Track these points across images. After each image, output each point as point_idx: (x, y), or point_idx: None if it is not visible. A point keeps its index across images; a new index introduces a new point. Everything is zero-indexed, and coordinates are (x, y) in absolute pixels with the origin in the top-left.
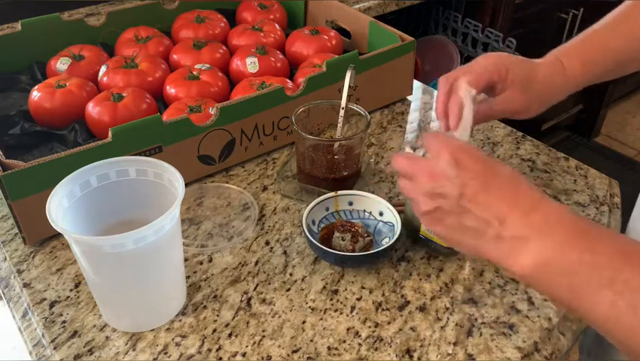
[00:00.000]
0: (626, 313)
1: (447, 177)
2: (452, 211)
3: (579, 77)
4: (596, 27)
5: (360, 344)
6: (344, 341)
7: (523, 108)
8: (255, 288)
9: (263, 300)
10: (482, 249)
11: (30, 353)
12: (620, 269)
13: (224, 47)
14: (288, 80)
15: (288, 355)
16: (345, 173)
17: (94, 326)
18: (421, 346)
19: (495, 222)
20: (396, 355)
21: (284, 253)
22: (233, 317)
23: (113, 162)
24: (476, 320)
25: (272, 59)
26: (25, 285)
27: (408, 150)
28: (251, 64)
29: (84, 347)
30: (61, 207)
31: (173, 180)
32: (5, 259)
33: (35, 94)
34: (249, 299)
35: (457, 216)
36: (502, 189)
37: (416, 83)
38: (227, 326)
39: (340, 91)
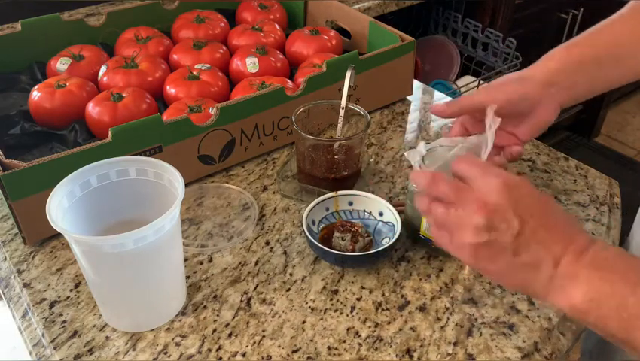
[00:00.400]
0: None
1: (506, 210)
2: (506, 248)
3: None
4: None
5: (360, 344)
6: (344, 341)
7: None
8: (255, 288)
9: (263, 300)
10: (529, 286)
11: (30, 353)
12: None
13: (224, 47)
14: (288, 80)
15: (288, 355)
16: (345, 173)
17: (94, 326)
18: (421, 346)
19: (549, 262)
20: (396, 355)
21: (284, 253)
22: (233, 317)
23: (113, 162)
24: (476, 320)
25: (272, 59)
26: (25, 285)
27: (422, 147)
28: (251, 64)
29: (84, 347)
30: (61, 207)
31: (173, 180)
32: (5, 259)
33: (35, 94)
34: (249, 299)
35: (511, 253)
36: (558, 228)
37: (416, 83)
38: (227, 326)
39: (340, 91)
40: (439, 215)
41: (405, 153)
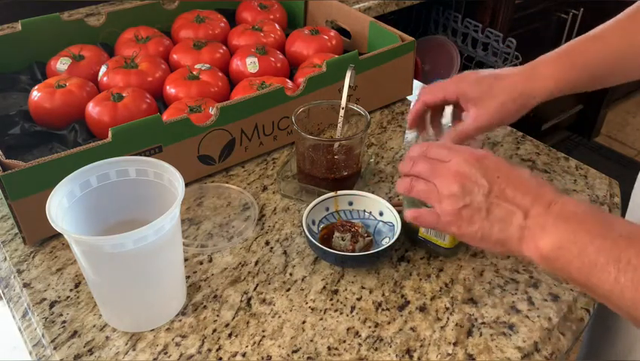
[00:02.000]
0: (629, 288)
1: (475, 175)
2: (480, 208)
3: (552, 88)
4: (578, 40)
5: (360, 344)
6: (344, 341)
7: (494, 121)
8: (255, 288)
9: (263, 300)
10: (505, 241)
11: (30, 353)
12: (624, 250)
13: (224, 47)
14: (288, 80)
15: (288, 355)
16: (345, 173)
17: (94, 326)
18: (421, 346)
19: (519, 214)
20: (396, 355)
21: (284, 253)
22: (233, 317)
23: (113, 162)
24: (476, 320)
25: (272, 59)
26: (25, 285)
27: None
28: (251, 64)
29: (84, 347)
30: (61, 207)
31: (173, 180)
32: (5, 259)
33: (35, 94)
34: (249, 299)
35: (485, 211)
36: (525, 185)
37: (416, 83)
38: (227, 326)
39: (340, 91)
40: (421, 189)
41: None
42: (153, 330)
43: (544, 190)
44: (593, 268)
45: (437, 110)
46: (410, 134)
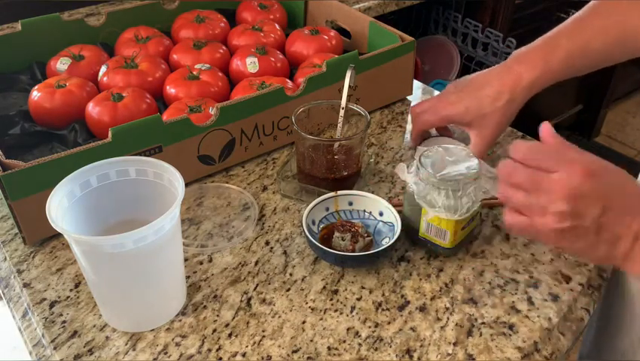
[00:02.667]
0: None
1: (587, 197)
2: (588, 230)
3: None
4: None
5: (360, 344)
6: (344, 341)
7: (497, 136)
8: (255, 288)
9: (263, 300)
10: (610, 258)
11: (30, 353)
12: None
13: (224, 47)
14: (288, 80)
15: (288, 355)
16: (345, 173)
17: (94, 326)
18: (421, 346)
19: (629, 236)
20: (396, 355)
21: (284, 253)
22: (233, 317)
23: (113, 162)
24: (476, 320)
25: (272, 59)
26: (25, 285)
27: (403, 166)
28: (251, 64)
29: (84, 347)
30: (61, 207)
31: (173, 180)
32: (5, 259)
33: (35, 94)
34: (249, 299)
35: (593, 233)
36: (633, 202)
37: (416, 83)
38: (227, 326)
39: (340, 91)
40: (520, 201)
41: (397, 168)
42: (153, 330)
43: None
44: None
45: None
46: (411, 135)
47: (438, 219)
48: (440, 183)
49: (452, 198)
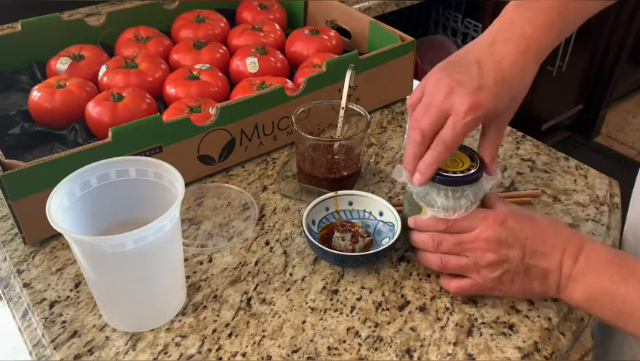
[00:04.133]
0: None
1: (505, 241)
2: (519, 272)
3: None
4: None
5: (360, 344)
6: (344, 341)
7: (510, 109)
8: (255, 288)
9: (263, 300)
10: (545, 292)
11: (30, 353)
12: None
13: (224, 47)
14: (288, 80)
15: (288, 355)
16: (345, 173)
17: (94, 326)
18: (421, 346)
19: (555, 271)
20: (396, 355)
21: (284, 253)
22: (233, 317)
23: (113, 162)
24: (476, 320)
25: (272, 59)
26: (25, 285)
27: (400, 168)
28: (251, 64)
29: (84, 347)
30: (61, 207)
31: (173, 180)
32: (5, 259)
33: (35, 94)
34: (249, 299)
35: (524, 273)
36: (551, 240)
37: (416, 83)
38: (227, 326)
39: (340, 91)
40: (455, 266)
41: (393, 173)
42: (153, 330)
43: (567, 238)
44: (622, 315)
45: None
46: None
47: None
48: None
49: (451, 199)
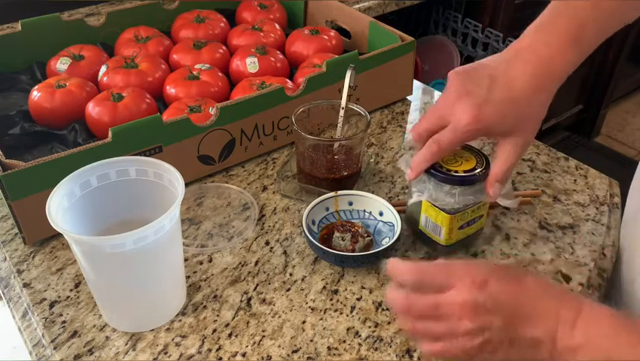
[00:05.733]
0: None
1: (486, 309)
2: (502, 340)
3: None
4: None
5: (360, 344)
6: (344, 341)
7: (530, 132)
8: (255, 288)
9: (263, 300)
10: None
11: (30, 353)
12: None
13: (224, 47)
14: (288, 80)
15: (288, 355)
16: (345, 173)
17: (94, 326)
18: None
19: (548, 342)
20: (396, 355)
21: (284, 253)
22: (233, 317)
23: (113, 162)
24: None
25: (272, 59)
26: (25, 285)
27: (407, 158)
28: (251, 64)
29: (84, 347)
30: (61, 207)
31: (173, 180)
32: (5, 259)
33: (35, 94)
34: (249, 299)
35: (508, 344)
36: (540, 302)
37: (416, 83)
38: (227, 326)
39: (340, 91)
40: (429, 331)
41: (399, 162)
42: (153, 330)
43: (562, 304)
44: None
45: None
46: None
47: (435, 213)
48: None
49: (441, 192)
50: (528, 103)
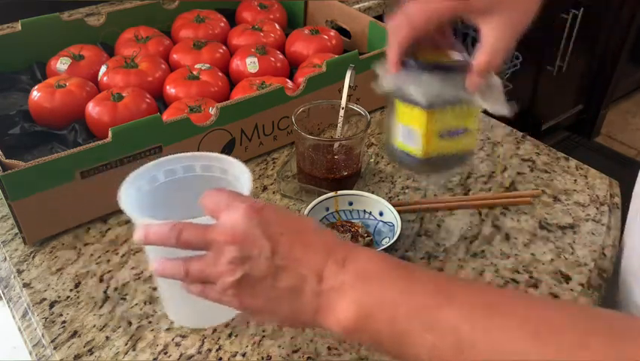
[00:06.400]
0: (449, 356)
1: (254, 235)
2: (265, 276)
3: None
4: None
5: (360, 344)
6: (344, 341)
7: (524, 19)
8: None
9: None
10: (299, 311)
11: (30, 353)
12: (438, 308)
13: (224, 47)
14: (288, 80)
15: (288, 355)
16: (345, 173)
17: (94, 326)
18: None
19: (312, 278)
20: None
21: None
22: (233, 317)
23: (180, 157)
24: None
25: (272, 59)
26: (25, 285)
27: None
28: (251, 64)
29: (84, 347)
30: (129, 199)
31: (238, 174)
32: (5, 259)
33: (35, 94)
34: None
35: (271, 279)
36: (314, 241)
37: None
38: (227, 326)
39: (340, 91)
40: (196, 271)
41: (379, 68)
42: (152, 330)
43: (337, 245)
44: (407, 337)
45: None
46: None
47: (409, 112)
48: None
49: (425, 85)
50: None
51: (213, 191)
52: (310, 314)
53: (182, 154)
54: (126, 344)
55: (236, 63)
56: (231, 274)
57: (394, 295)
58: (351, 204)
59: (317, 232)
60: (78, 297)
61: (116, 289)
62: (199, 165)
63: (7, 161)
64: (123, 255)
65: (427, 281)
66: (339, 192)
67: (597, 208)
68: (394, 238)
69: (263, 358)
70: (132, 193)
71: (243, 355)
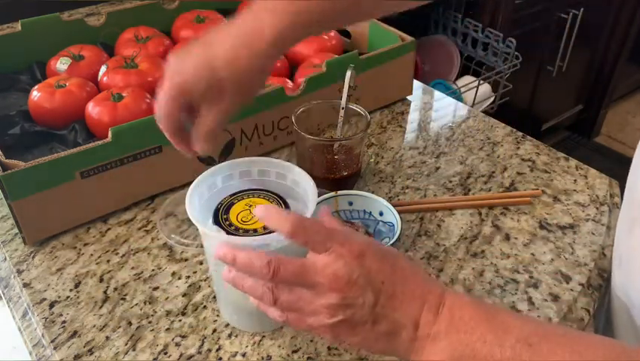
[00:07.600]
0: None
1: (357, 285)
2: (366, 321)
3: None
4: None
5: None
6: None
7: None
8: None
9: None
10: (393, 350)
11: (30, 353)
12: (525, 358)
13: None
14: (288, 80)
15: (288, 355)
16: (345, 173)
17: (94, 326)
18: None
19: (410, 325)
20: None
21: None
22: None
23: (238, 162)
24: None
25: None
26: (25, 285)
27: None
28: None
29: (84, 347)
30: (194, 207)
31: (299, 180)
32: (5, 259)
33: (35, 94)
34: None
35: (370, 324)
36: (410, 288)
37: (416, 83)
38: (227, 325)
39: (340, 91)
40: (285, 300)
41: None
42: (152, 330)
43: (429, 287)
44: None
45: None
46: (410, 134)
47: None
48: None
49: None
50: (224, 63)
51: (296, 218)
52: (403, 354)
53: (240, 159)
54: (126, 344)
55: None
56: (330, 316)
57: (484, 346)
58: (351, 204)
59: (412, 274)
60: (78, 297)
61: (116, 289)
62: (255, 170)
63: (7, 161)
64: (123, 255)
65: (516, 332)
66: (339, 192)
67: (597, 208)
68: (394, 238)
69: (263, 358)
70: (195, 201)
71: (243, 355)
